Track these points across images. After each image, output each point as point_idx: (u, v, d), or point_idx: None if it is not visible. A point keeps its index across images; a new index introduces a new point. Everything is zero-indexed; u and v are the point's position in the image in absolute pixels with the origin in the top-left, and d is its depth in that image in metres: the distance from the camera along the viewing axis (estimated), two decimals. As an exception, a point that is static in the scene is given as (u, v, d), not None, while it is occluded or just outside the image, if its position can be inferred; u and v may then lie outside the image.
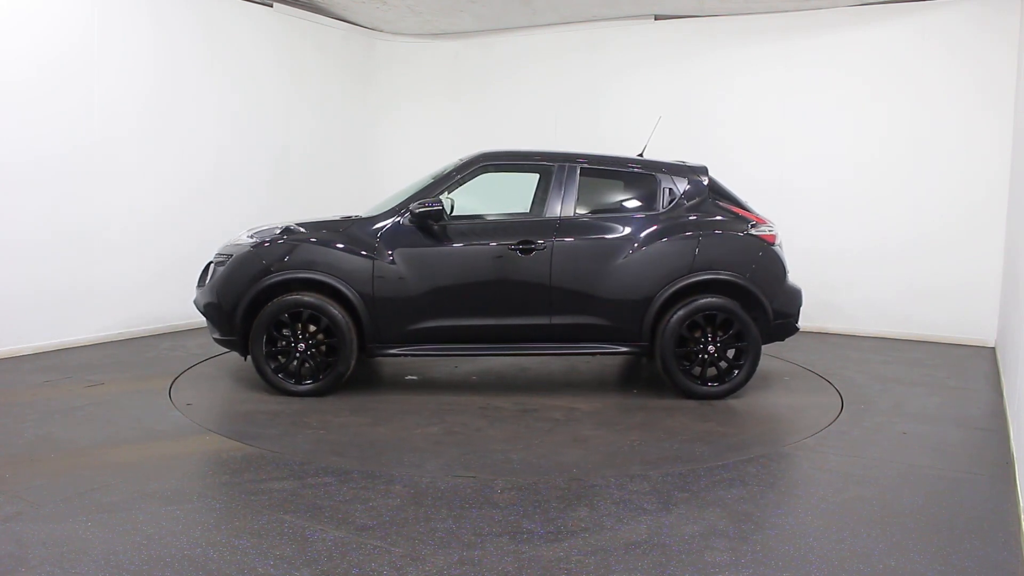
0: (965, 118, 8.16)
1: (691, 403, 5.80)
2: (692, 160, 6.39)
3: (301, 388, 5.74)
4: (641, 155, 6.27)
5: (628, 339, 5.87)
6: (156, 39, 7.77)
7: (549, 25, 9.89)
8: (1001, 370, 6.82)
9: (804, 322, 6.47)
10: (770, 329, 5.95)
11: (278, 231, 5.88)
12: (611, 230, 5.91)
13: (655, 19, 9.39)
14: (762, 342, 5.94)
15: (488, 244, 5.82)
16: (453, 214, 5.97)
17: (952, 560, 3.38)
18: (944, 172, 8.28)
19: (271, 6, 9.01)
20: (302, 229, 5.87)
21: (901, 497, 4.10)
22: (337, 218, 6.07)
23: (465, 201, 6.32)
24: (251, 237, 5.96)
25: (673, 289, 5.79)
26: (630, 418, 5.46)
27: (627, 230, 5.90)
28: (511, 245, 5.77)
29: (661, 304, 5.80)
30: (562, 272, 5.77)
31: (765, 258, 5.92)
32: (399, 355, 5.83)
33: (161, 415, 5.27)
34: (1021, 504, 3.96)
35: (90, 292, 7.33)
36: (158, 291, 7.92)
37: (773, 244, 5.99)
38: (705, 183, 6.07)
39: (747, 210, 6.08)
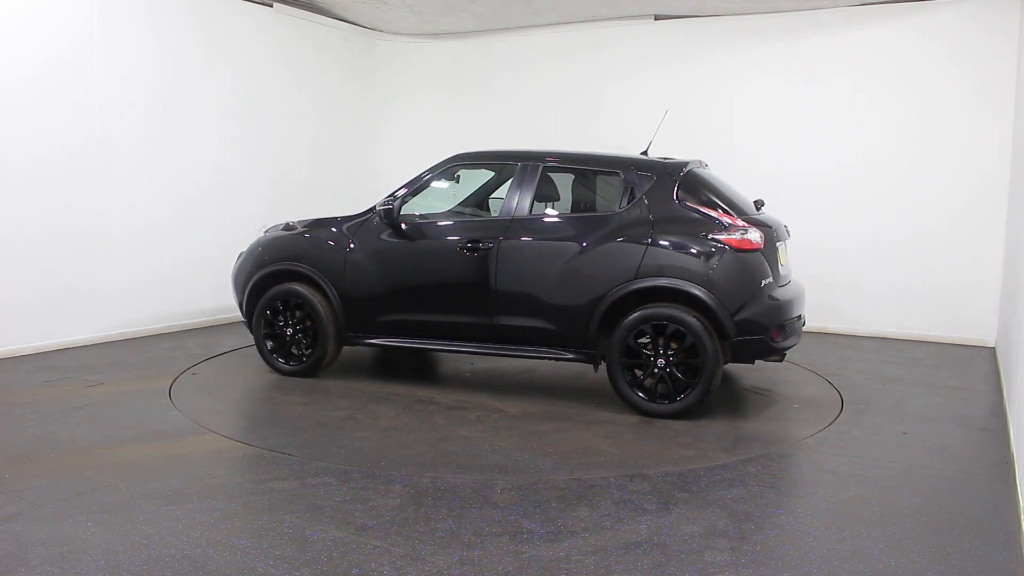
0: (965, 118, 8.15)
1: (633, 419, 5.33)
2: (685, 157, 6.22)
3: (288, 368, 6.31)
4: (645, 153, 6.14)
5: (573, 345, 5.56)
6: (156, 39, 7.76)
7: (549, 25, 9.88)
8: (1001, 370, 6.82)
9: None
10: (734, 345, 5.30)
11: (280, 227, 6.53)
12: (560, 231, 5.68)
13: (655, 19, 9.38)
14: (729, 360, 5.39)
15: (441, 242, 5.91)
16: (421, 213, 6.22)
17: (952, 560, 3.38)
18: (944, 172, 8.27)
19: (271, 6, 9.00)
20: (298, 226, 6.42)
21: (901, 497, 4.10)
22: (331, 216, 6.44)
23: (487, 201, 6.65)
24: (265, 233, 6.61)
25: (619, 295, 5.36)
26: (537, 426, 5.18)
27: (577, 231, 5.59)
28: (459, 244, 5.80)
29: (606, 310, 5.40)
30: (505, 272, 5.66)
31: (726, 265, 5.24)
32: (372, 344, 6.16)
33: (161, 415, 5.27)
34: (1021, 504, 3.96)
35: (90, 292, 7.32)
36: (158, 291, 7.91)
37: (744, 250, 5.28)
38: (675, 180, 5.53)
39: (728, 211, 5.47)
